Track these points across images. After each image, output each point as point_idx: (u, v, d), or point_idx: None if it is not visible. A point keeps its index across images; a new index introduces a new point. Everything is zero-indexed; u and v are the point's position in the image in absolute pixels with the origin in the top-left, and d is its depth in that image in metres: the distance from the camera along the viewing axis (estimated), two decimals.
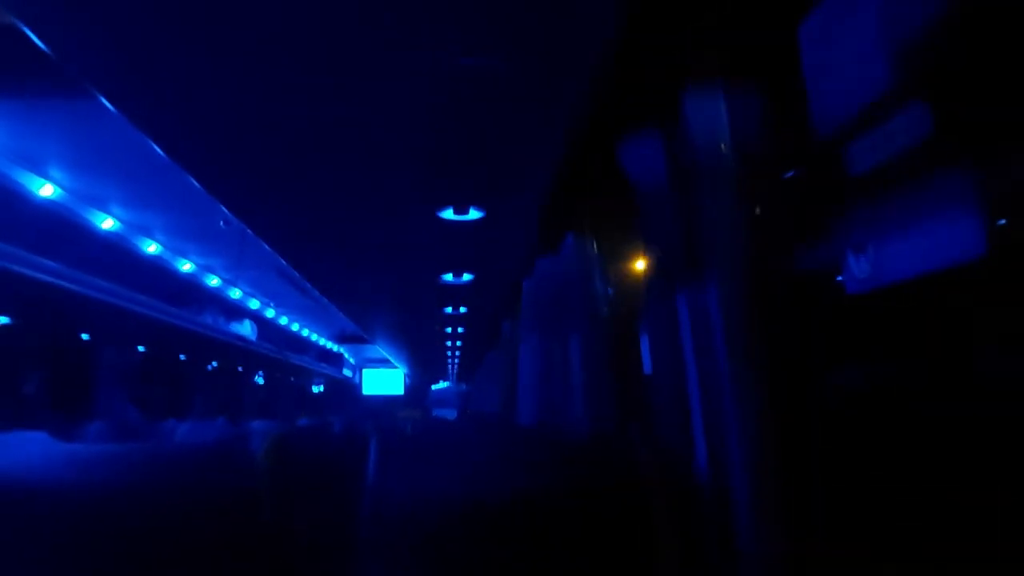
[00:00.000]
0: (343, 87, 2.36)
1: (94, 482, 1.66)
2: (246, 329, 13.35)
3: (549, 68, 2.26)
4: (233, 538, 1.71)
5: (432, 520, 1.47)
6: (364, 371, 22.42)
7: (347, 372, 23.06)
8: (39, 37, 2.05)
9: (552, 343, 4.23)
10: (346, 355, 22.37)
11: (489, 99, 2.48)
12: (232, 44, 2.08)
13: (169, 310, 9.50)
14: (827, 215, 1.64)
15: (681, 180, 2.08)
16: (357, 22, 1.97)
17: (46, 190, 6.54)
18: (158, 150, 2.89)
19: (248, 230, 4.34)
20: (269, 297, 13.28)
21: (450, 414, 15.16)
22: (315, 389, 19.95)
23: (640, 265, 2.41)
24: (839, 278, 1.51)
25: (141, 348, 8.88)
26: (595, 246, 3.65)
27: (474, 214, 3.76)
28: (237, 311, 12.91)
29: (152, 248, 8.74)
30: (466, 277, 5.49)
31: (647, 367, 2.73)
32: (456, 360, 14.24)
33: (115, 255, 8.00)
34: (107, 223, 7.63)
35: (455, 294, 6.32)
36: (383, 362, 20.12)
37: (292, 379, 17.34)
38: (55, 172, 6.46)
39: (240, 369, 13.38)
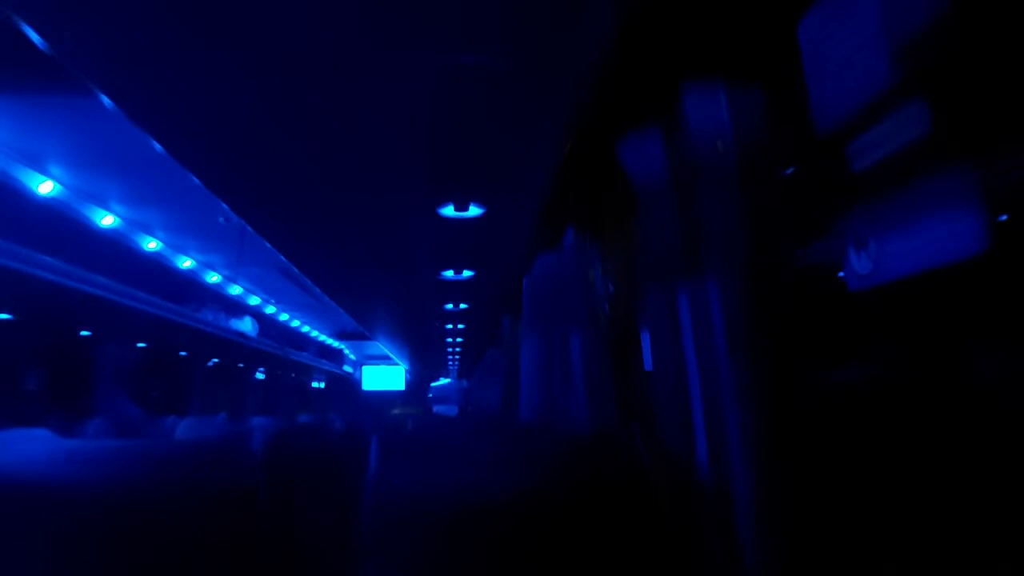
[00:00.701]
0: (342, 84, 2.36)
1: (95, 479, 1.66)
2: (246, 325, 13.36)
3: (549, 65, 2.26)
4: (234, 536, 1.71)
5: (433, 518, 1.47)
6: (364, 367, 22.45)
7: (347, 368, 23.09)
8: (39, 34, 2.05)
9: (552, 340, 4.23)
10: (346, 351, 22.40)
11: (489, 96, 2.48)
12: (232, 41, 2.08)
13: (169, 307, 9.51)
14: (828, 212, 1.64)
15: (681, 177, 2.08)
16: (357, 19, 1.97)
17: (46, 187, 6.54)
18: (158, 147, 2.89)
19: (248, 227, 4.34)
20: (269, 294, 13.29)
21: (451, 411, 15.15)
22: (315, 385, 19.98)
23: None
24: (840, 274, 1.50)
25: (141, 345, 8.89)
26: (595, 243, 3.65)
27: (474, 211, 3.76)
28: (237, 307, 12.92)
29: (152, 245, 8.75)
30: (466, 274, 5.49)
31: (648, 364, 2.73)
32: (457, 356, 14.25)
33: (115, 252, 8.01)
34: (107, 220, 7.63)
35: (455, 291, 6.33)
36: (383, 358, 20.14)
37: (292, 375, 17.36)
38: (55, 169, 6.46)
39: (240, 365, 13.39)
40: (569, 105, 2.54)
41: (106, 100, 2.45)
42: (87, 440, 3.79)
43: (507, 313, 6.80)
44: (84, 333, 7.55)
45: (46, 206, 6.67)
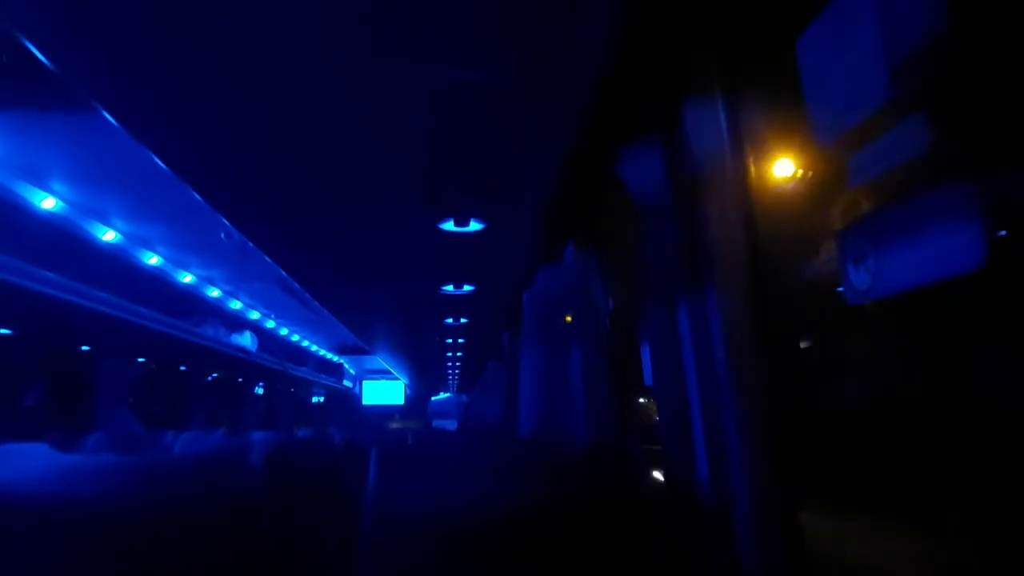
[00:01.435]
0: (343, 100, 2.37)
1: (94, 494, 1.65)
2: (246, 340, 13.34)
3: (549, 81, 2.27)
4: (233, 550, 1.70)
5: (432, 533, 1.46)
6: (364, 382, 22.40)
7: (347, 383, 23.04)
8: (41, 51, 2.06)
9: (553, 354, 4.22)
10: (346, 366, 22.36)
11: (489, 111, 2.49)
12: (233, 58, 2.09)
13: (170, 322, 9.50)
14: (827, 226, 1.65)
15: (681, 190, 2.08)
16: (358, 36, 1.98)
17: (48, 203, 6.57)
18: (159, 163, 2.90)
19: (249, 242, 4.35)
20: (270, 308, 13.29)
21: (450, 425, 15.08)
22: (315, 400, 19.91)
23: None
24: (839, 289, 1.51)
25: (141, 359, 8.87)
26: (596, 257, 3.65)
27: (475, 225, 3.76)
28: (237, 322, 12.91)
29: (153, 260, 8.76)
30: (467, 288, 5.49)
31: (648, 378, 2.73)
32: (456, 371, 14.22)
33: (116, 267, 8.02)
34: (108, 235, 7.65)
35: (456, 305, 6.32)
36: (383, 373, 20.09)
37: (292, 390, 17.31)
38: (57, 185, 6.48)
39: (240, 380, 13.36)
40: (569, 121, 2.55)
41: (108, 116, 2.46)
42: (86, 455, 3.77)
43: (507, 328, 6.79)
44: (84, 348, 7.53)
45: (48, 221, 6.69)
